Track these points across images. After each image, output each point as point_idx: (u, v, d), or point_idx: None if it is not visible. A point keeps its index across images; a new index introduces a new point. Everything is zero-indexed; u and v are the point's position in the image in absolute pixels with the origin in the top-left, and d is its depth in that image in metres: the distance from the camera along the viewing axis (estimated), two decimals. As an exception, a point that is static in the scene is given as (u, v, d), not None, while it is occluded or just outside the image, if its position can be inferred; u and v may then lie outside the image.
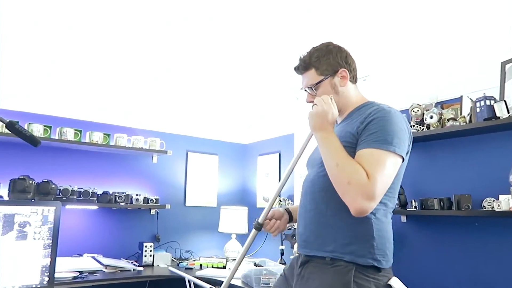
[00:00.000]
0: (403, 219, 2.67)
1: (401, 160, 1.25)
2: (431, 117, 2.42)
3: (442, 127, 2.40)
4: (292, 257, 1.47)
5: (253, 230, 1.41)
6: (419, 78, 2.75)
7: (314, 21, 3.15)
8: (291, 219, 1.55)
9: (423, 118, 2.50)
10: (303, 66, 1.43)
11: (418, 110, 2.52)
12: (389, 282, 1.24)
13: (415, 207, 2.50)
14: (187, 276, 2.43)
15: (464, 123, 2.27)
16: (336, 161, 1.19)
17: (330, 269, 1.23)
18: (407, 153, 1.31)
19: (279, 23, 3.18)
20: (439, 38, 2.64)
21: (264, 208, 1.46)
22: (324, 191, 1.30)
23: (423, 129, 2.48)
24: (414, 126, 2.50)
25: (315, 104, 1.30)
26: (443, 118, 2.43)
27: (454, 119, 2.33)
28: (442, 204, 2.32)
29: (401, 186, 2.54)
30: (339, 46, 1.47)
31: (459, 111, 2.43)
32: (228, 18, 3.09)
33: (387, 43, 3.00)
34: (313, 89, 1.40)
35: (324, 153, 1.25)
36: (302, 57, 1.45)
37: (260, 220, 1.42)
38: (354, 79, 1.46)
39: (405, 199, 2.55)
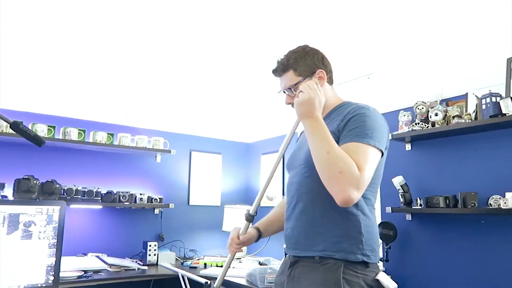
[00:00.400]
0: (408, 217, 2.66)
1: (381, 154, 1.29)
2: (436, 115, 2.41)
3: (447, 124, 2.39)
4: (281, 262, 1.53)
5: (246, 222, 1.47)
6: (423, 75, 2.73)
7: (317, 20, 3.14)
8: (259, 237, 1.57)
9: (427, 116, 2.49)
10: (282, 68, 1.45)
11: (423, 108, 2.50)
12: (376, 277, 1.25)
13: (420, 205, 2.48)
14: (180, 271, 2.40)
15: (470, 120, 2.25)
16: (326, 149, 1.19)
17: (320, 268, 1.25)
18: (386, 148, 1.33)
19: (282, 23, 3.18)
20: (443, 34, 2.62)
21: (263, 205, 1.46)
22: (311, 192, 1.32)
23: (428, 126, 2.46)
24: (419, 123, 2.49)
25: (301, 91, 1.29)
26: (448, 115, 2.41)
27: (460, 116, 2.31)
28: (447, 202, 2.30)
29: (406, 184, 2.55)
30: (316, 49, 1.50)
31: (464, 108, 2.41)
32: (232, 18, 3.09)
33: (390, 40, 2.99)
34: (292, 90, 1.41)
35: (314, 141, 1.24)
36: (280, 59, 1.47)
37: (251, 211, 1.46)
38: (330, 81, 1.49)
39: (410, 197, 2.54)
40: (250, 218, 1.46)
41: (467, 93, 2.42)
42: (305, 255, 1.30)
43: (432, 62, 2.68)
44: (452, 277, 2.41)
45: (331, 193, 1.19)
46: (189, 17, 3.07)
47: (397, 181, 2.55)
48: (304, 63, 1.43)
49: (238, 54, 3.32)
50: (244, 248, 1.32)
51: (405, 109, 2.71)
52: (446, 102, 2.53)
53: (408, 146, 2.73)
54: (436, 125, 2.42)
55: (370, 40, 3.14)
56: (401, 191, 2.55)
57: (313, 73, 1.43)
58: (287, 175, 1.54)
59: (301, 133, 1.60)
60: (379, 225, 2.67)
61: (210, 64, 3.58)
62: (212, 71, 3.59)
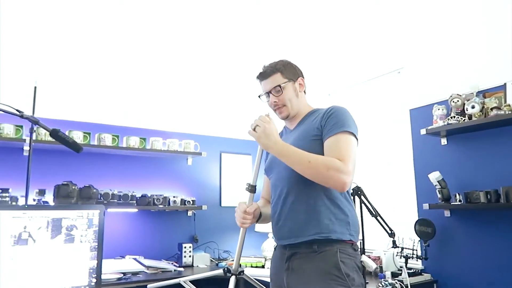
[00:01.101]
0: (447, 213, 2.58)
1: (356, 141, 1.48)
2: (473, 107, 2.33)
3: (485, 116, 2.30)
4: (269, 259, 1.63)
5: (249, 193, 1.57)
6: (457, 67, 2.64)
7: (344, 13, 3.09)
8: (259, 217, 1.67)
9: (463, 109, 2.41)
10: (271, 70, 1.61)
11: (458, 101, 2.43)
12: (361, 259, 1.51)
13: (459, 200, 2.40)
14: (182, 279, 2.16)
15: (510, 112, 2.16)
16: (306, 159, 1.39)
17: (317, 256, 1.41)
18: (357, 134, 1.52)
19: (305, 19, 3.14)
20: (477, 22, 2.53)
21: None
22: (301, 183, 1.47)
23: (464, 119, 2.39)
24: (454, 117, 2.41)
25: (257, 126, 1.47)
26: (485, 107, 2.32)
27: (498, 108, 2.22)
28: (489, 197, 2.22)
29: (443, 179, 2.47)
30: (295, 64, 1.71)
31: (503, 99, 2.32)
32: (258, 21, 3.09)
33: (421, 32, 2.91)
34: (281, 88, 1.58)
35: (291, 160, 1.43)
36: (266, 65, 1.65)
37: (252, 183, 1.58)
38: (305, 92, 1.69)
39: (448, 192, 2.47)
40: (253, 189, 1.56)
41: (505, 84, 2.33)
42: (302, 241, 1.44)
43: (466, 53, 2.59)
44: (494, 276, 2.31)
45: (330, 187, 1.43)
46: (216, 20, 3.10)
47: (434, 176, 2.48)
48: (289, 69, 1.63)
49: (269, 57, 3.32)
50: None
51: (439, 103, 2.63)
52: (483, 93, 2.44)
53: (443, 141, 2.65)
54: (473, 118, 2.34)
55: (398, 34, 3.07)
56: (438, 187, 2.48)
57: (296, 79, 1.63)
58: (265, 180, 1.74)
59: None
60: (416, 222, 2.60)
61: (237, 67, 3.60)
62: (240, 74, 3.61)
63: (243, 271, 1.63)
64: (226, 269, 1.63)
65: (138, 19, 2.98)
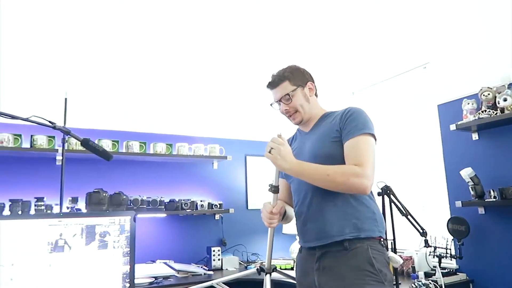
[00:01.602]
0: (481, 210, 2.50)
1: (375, 140, 1.50)
2: (505, 100, 2.25)
3: (518, 109, 2.22)
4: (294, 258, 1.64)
5: (273, 194, 1.57)
6: (486, 59, 2.56)
7: (365, 8, 3.04)
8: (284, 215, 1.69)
9: (495, 102, 2.33)
10: (279, 79, 1.63)
11: (489, 94, 2.35)
12: (389, 255, 1.50)
13: (494, 197, 2.32)
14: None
15: (545, 103, 2.08)
16: (325, 173, 1.42)
17: (349, 253, 1.43)
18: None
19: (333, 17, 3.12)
20: (505, 11, 2.44)
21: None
22: None
23: (496, 113, 2.31)
24: (485, 111, 2.34)
25: (272, 148, 1.47)
26: (519, 99, 2.24)
27: (532, 100, 2.14)
28: (525, 193, 2.13)
29: (476, 176, 2.39)
30: (303, 68, 1.72)
31: (537, 91, 2.23)
32: (278, 20, 3.08)
33: (446, 25, 2.83)
34: (290, 96, 1.60)
35: (310, 177, 1.46)
36: (275, 73, 1.67)
37: (274, 183, 1.56)
38: (316, 94, 1.71)
39: (482, 189, 2.39)
40: (276, 190, 1.56)
41: (539, 74, 2.23)
42: (333, 241, 1.45)
43: (495, 43, 2.51)
44: (536, 273, 2.22)
45: (354, 193, 1.46)
46: (238, 23, 3.12)
47: (466, 173, 2.40)
48: (297, 75, 1.64)
49: (290, 58, 3.32)
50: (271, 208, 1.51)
51: (469, 97, 2.56)
52: (515, 85, 2.35)
53: (474, 136, 2.57)
54: (506, 111, 2.26)
55: (423, 27, 3.00)
56: (471, 183, 2.40)
57: (305, 84, 1.64)
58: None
59: (290, 140, 1.78)
60: (448, 220, 2.54)
61: (258, 70, 3.61)
62: (261, 76, 3.61)
63: (275, 268, 1.66)
64: (259, 268, 1.66)
65: (160, 30, 3.04)
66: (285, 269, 3.09)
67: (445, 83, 2.83)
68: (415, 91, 3.14)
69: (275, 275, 1.62)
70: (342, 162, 1.47)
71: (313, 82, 1.69)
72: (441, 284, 2.36)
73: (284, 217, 1.68)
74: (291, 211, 1.72)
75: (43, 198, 2.69)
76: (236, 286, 2.86)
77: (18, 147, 2.71)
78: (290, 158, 1.46)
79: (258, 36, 3.26)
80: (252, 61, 3.53)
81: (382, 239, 1.50)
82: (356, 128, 1.47)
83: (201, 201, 3.30)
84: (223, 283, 1.86)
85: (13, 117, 1.49)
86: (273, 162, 1.49)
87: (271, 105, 1.70)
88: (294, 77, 1.63)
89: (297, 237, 3.45)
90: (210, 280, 1.93)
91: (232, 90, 3.70)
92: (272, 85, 1.66)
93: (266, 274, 1.61)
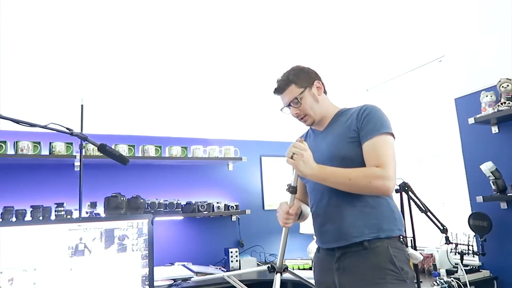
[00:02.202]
0: (503, 205, 2.44)
1: (394, 138, 1.49)
2: (525, 91, 2.19)
3: (539, 100, 2.16)
4: (312, 257, 1.64)
5: (290, 194, 1.54)
6: (504, 49, 2.49)
7: (380, 5, 3.01)
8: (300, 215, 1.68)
9: (515, 93, 2.27)
10: (285, 83, 1.61)
11: (508, 85, 2.29)
12: (408, 252, 1.48)
13: (517, 191, 2.26)
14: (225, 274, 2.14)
15: None
16: (347, 177, 1.41)
17: (370, 252, 1.41)
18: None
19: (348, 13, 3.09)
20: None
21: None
22: None
23: (516, 105, 2.25)
24: (505, 103, 2.28)
25: (294, 153, 1.43)
26: (539, 90, 2.18)
27: (554, 90, 2.08)
28: (550, 186, 2.07)
29: (497, 170, 2.34)
30: (307, 66, 1.69)
31: (558, 80, 2.16)
32: (291, 17, 3.08)
33: (461, 16, 2.78)
34: (298, 100, 1.58)
35: (333, 182, 1.44)
36: (279, 78, 1.64)
37: (293, 184, 1.52)
38: (325, 92, 1.67)
39: (503, 183, 2.33)
40: (294, 190, 1.52)
41: (560, 63, 2.17)
42: (353, 243, 1.43)
43: (513, 34, 2.45)
44: None
45: (377, 195, 1.45)
46: (253, 24, 3.12)
47: (487, 167, 2.35)
48: (302, 76, 1.61)
49: (304, 55, 3.30)
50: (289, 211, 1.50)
51: (487, 89, 2.50)
52: (535, 75, 2.29)
53: (494, 129, 2.51)
54: (526, 102, 2.20)
55: (438, 20, 2.95)
56: (492, 178, 2.34)
57: (312, 84, 1.61)
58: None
59: (303, 137, 1.76)
60: (469, 216, 2.48)
61: (270, 69, 3.60)
62: (273, 76, 3.61)
63: (287, 268, 1.64)
64: (270, 266, 1.63)
65: (173, 35, 3.06)
66: (303, 269, 3.07)
67: (462, 76, 2.78)
68: (431, 85, 3.09)
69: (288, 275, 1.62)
70: (360, 163, 1.46)
71: (320, 80, 1.65)
72: (465, 282, 2.31)
73: (300, 216, 1.67)
74: (307, 209, 1.71)
75: (63, 203, 2.74)
76: (255, 287, 2.86)
77: (38, 155, 2.77)
78: (312, 164, 1.43)
79: (271, 35, 3.26)
80: (264, 61, 3.53)
81: (401, 237, 1.48)
82: (374, 128, 1.45)
83: (217, 202, 3.31)
84: (235, 278, 1.84)
85: (31, 125, 1.51)
86: (295, 167, 1.45)
87: (281, 110, 1.68)
88: (300, 79, 1.60)
89: (315, 237, 3.43)
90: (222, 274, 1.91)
91: (245, 91, 3.71)
92: (279, 91, 1.63)
93: (276, 273, 1.58)
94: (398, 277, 1.38)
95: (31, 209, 2.64)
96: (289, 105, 1.62)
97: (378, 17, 3.17)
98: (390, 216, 1.47)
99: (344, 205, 1.47)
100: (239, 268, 3.21)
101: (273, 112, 3.81)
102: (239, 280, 1.88)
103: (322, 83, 1.66)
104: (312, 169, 1.43)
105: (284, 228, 1.57)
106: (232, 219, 3.55)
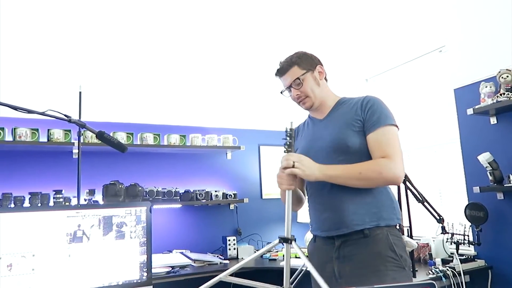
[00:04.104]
0: (500, 196, 2.45)
1: (398, 129, 1.51)
2: (524, 82, 2.18)
3: (538, 91, 2.16)
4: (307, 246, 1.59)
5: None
6: (504, 40, 2.48)
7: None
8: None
9: (514, 84, 2.26)
10: (287, 64, 1.60)
11: (507, 76, 2.29)
12: (404, 239, 1.51)
13: (513, 182, 2.27)
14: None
15: None
16: (357, 171, 1.41)
17: (369, 240, 1.42)
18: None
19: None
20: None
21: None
22: None
23: (515, 96, 2.25)
24: (504, 94, 2.28)
25: (294, 161, 1.40)
26: (539, 81, 2.17)
27: (553, 81, 2.07)
28: (546, 177, 2.08)
29: (494, 161, 2.35)
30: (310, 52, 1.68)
31: (558, 71, 2.16)
32: (290, 6, 3.05)
33: (461, 6, 2.76)
34: (300, 81, 1.57)
35: (342, 180, 1.43)
36: (282, 60, 1.64)
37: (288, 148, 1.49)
38: (326, 79, 1.66)
39: (500, 174, 2.34)
40: (290, 150, 1.46)
41: (560, 54, 2.16)
42: (354, 231, 1.43)
43: (514, 25, 2.43)
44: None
45: (389, 185, 1.48)
46: (254, 13, 3.09)
47: (484, 158, 2.36)
48: (305, 59, 1.61)
49: (303, 44, 3.28)
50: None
51: (486, 80, 2.49)
52: (535, 66, 2.28)
53: (493, 120, 2.51)
54: (525, 94, 2.20)
55: (438, 10, 2.93)
56: (489, 168, 2.36)
57: (314, 68, 1.60)
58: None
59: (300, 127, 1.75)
60: (466, 206, 2.50)
61: (270, 58, 3.58)
62: (273, 65, 3.59)
63: (295, 239, 1.40)
64: (281, 238, 1.36)
65: (172, 23, 3.03)
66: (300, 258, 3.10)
67: (462, 66, 2.77)
68: (431, 76, 3.08)
69: (292, 262, 1.55)
70: (364, 152, 1.46)
71: (322, 66, 1.65)
72: (459, 271, 2.33)
73: (297, 201, 1.64)
74: (302, 196, 1.70)
75: (61, 190, 2.74)
76: (255, 274, 2.88)
77: (36, 141, 2.76)
78: (315, 165, 1.42)
79: (270, 24, 3.23)
80: (263, 50, 3.50)
81: (398, 225, 1.51)
82: (380, 119, 1.47)
83: (215, 191, 3.32)
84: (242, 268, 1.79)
85: (29, 111, 1.50)
86: (302, 175, 1.40)
87: (281, 92, 1.66)
88: (303, 61, 1.60)
89: (311, 226, 3.45)
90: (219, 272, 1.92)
91: (244, 80, 3.69)
92: (281, 71, 1.62)
93: (286, 244, 1.36)
94: (398, 264, 1.40)
95: (30, 195, 2.65)
96: (289, 88, 1.61)
97: (378, 7, 3.15)
98: (389, 205, 1.49)
99: (344, 193, 1.47)
100: (237, 256, 3.24)
101: (271, 101, 3.81)
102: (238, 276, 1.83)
103: (325, 70, 1.65)
104: (319, 169, 1.41)
105: (287, 192, 1.38)
106: (230, 208, 3.57)
